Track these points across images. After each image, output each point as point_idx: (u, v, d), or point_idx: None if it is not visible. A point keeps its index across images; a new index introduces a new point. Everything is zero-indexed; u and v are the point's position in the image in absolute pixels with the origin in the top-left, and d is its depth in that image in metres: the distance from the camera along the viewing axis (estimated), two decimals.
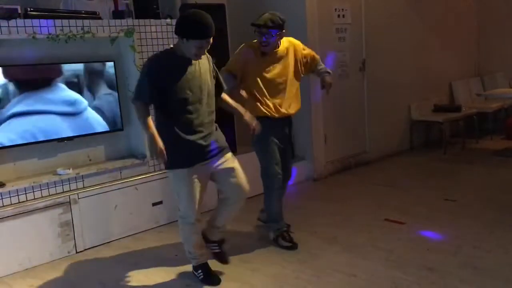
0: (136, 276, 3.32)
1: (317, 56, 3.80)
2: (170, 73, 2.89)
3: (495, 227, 3.81)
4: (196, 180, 2.99)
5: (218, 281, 3.17)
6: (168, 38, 4.28)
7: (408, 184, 5.14)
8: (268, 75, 3.53)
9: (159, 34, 4.23)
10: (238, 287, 3.12)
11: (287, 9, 5.26)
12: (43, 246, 3.61)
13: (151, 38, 4.18)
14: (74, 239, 3.75)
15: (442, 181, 5.17)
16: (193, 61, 2.95)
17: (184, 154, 2.94)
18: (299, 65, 3.66)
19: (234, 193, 3.11)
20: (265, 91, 3.53)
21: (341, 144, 5.70)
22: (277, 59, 3.56)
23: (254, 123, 3.26)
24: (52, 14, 3.70)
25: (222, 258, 3.29)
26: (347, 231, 3.90)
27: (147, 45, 4.15)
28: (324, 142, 5.51)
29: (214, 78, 3.12)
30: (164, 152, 2.87)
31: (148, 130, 2.90)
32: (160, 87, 2.87)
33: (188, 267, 3.30)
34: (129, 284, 3.23)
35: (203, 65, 3.02)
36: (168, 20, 4.29)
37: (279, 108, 3.57)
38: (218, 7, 4.69)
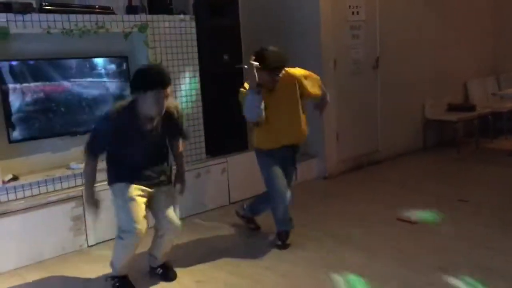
0: (146, 270, 3.32)
1: (319, 93, 3.66)
2: (126, 134, 2.88)
3: (508, 227, 3.76)
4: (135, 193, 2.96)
5: None
6: (181, 34, 4.29)
7: (421, 183, 5.09)
8: (273, 109, 3.41)
9: (172, 30, 4.23)
10: (248, 285, 3.12)
11: (301, 6, 5.26)
12: (56, 240, 3.64)
13: (164, 34, 4.19)
14: (86, 233, 3.77)
15: (456, 181, 5.11)
16: (151, 122, 2.91)
17: (128, 175, 2.96)
18: (295, 93, 3.51)
19: (167, 226, 3.07)
20: (271, 123, 3.43)
21: (353, 142, 5.67)
22: (280, 92, 3.44)
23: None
24: (66, 8, 3.72)
25: (168, 277, 3.21)
26: (359, 230, 3.88)
27: (160, 41, 4.16)
28: (336, 140, 5.48)
29: (175, 134, 3.12)
30: (97, 208, 3.02)
31: (87, 189, 3.02)
32: (113, 143, 2.92)
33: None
34: (139, 279, 3.24)
35: (162, 126, 2.98)
36: (182, 16, 4.30)
37: (281, 139, 3.52)
38: (231, 3, 4.67)
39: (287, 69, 3.44)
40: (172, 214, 3.08)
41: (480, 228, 3.80)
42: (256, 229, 3.96)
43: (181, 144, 3.24)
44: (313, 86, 3.60)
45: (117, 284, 3.09)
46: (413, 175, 5.46)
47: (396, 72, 5.99)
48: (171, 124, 3.03)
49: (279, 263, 3.38)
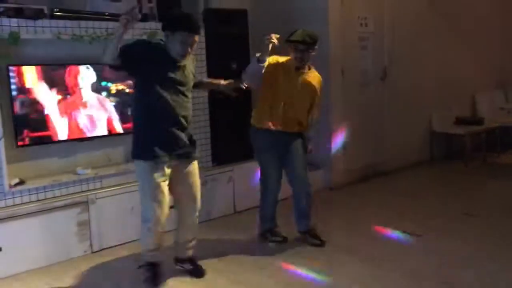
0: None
1: (316, 117, 3.78)
2: (156, 63, 2.89)
3: None
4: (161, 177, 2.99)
5: (157, 284, 3.15)
6: None
7: (427, 196, 5.06)
8: (291, 90, 3.55)
9: None
10: None
11: (310, 16, 5.27)
12: (60, 245, 3.64)
13: None
14: (91, 238, 3.77)
15: (462, 194, 5.08)
16: (178, 63, 2.95)
17: (155, 143, 2.95)
18: (312, 91, 3.68)
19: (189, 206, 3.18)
20: (281, 103, 3.53)
21: (360, 153, 5.65)
22: (304, 79, 3.60)
23: (230, 84, 3.36)
24: (77, 15, 3.75)
25: (198, 274, 3.29)
26: (364, 242, 3.86)
27: None
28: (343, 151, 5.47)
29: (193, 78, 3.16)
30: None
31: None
32: (137, 63, 2.87)
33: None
34: (144, 285, 3.23)
35: (188, 64, 3.04)
36: None
37: (284, 122, 3.57)
38: (241, 12, 4.70)
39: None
40: (195, 193, 3.17)
41: (487, 242, 3.77)
42: (284, 241, 3.86)
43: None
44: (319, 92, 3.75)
45: (148, 273, 3.15)
46: (419, 187, 5.43)
47: (404, 83, 5.99)
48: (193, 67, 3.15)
49: (281, 272, 3.37)
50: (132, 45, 2.91)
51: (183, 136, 3.05)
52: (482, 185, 5.45)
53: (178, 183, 3.12)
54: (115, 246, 3.87)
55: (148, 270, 3.17)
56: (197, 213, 3.24)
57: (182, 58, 2.94)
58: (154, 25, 4.09)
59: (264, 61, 3.37)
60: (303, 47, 3.46)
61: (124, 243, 3.90)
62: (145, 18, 4.14)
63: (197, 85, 3.31)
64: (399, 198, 5.00)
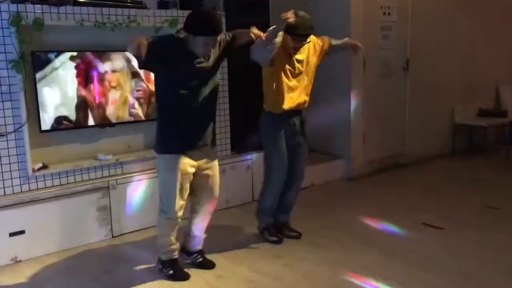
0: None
1: (327, 38, 3.64)
2: (178, 62, 2.87)
3: None
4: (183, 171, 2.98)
5: (187, 277, 3.16)
6: None
7: (448, 189, 5.00)
8: (291, 74, 3.44)
9: None
10: (268, 282, 3.12)
11: (332, 5, 5.22)
12: (81, 229, 3.71)
13: None
14: (111, 223, 3.83)
15: (485, 187, 5.01)
16: (199, 59, 2.93)
17: (178, 140, 2.96)
18: (316, 58, 3.58)
19: (206, 204, 3.19)
20: (284, 87, 3.43)
21: (380, 144, 5.60)
22: (300, 58, 3.46)
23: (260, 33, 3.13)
24: (99, 2, 3.78)
25: (208, 266, 3.31)
26: (383, 233, 3.84)
27: None
28: (363, 141, 5.43)
29: (224, 50, 3.07)
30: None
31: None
32: (160, 62, 2.84)
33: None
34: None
35: (210, 58, 2.99)
36: None
37: (293, 103, 3.47)
38: (262, 1, 4.67)
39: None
40: (213, 190, 3.17)
41: (508, 235, 3.72)
42: (279, 242, 3.72)
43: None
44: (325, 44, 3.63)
45: (171, 271, 3.16)
46: (440, 179, 5.37)
47: (426, 74, 5.90)
48: (219, 51, 3.05)
49: (299, 262, 3.37)
50: (153, 46, 2.81)
51: (204, 130, 3.05)
52: (504, 178, 5.36)
53: (199, 181, 3.12)
54: (135, 231, 3.93)
55: (171, 267, 3.17)
56: (212, 210, 3.26)
57: (204, 56, 2.93)
58: (175, 13, 4.10)
59: (275, 41, 3.15)
60: (303, 38, 3.33)
61: (144, 229, 3.95)
62: (166, 6, 4.16)
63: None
64: (419, 190, 4.95)
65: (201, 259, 3.33)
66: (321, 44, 3.58)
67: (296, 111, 3.53)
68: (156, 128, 3.09)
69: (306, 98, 3.56)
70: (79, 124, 3.79)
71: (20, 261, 3.46)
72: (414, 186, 5.12)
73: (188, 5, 4.26)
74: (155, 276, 3.19)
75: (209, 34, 2.83)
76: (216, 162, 3.20)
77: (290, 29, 3.22)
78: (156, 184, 3.97)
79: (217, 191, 3.22)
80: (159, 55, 2.81)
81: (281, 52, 3.30)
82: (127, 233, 3.90)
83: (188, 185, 3.05)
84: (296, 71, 3.45)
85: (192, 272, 3.25)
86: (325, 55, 3.63)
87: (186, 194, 3.05)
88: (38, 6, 3.46)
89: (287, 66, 3.41)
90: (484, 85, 6.74)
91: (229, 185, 4.45)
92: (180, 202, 3.02)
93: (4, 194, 3.46)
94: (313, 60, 3.55)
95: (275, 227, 3.75)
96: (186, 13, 4.08)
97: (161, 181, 3.09)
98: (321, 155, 5.42)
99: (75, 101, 3.73)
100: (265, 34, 3.09)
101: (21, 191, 3.52)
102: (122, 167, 3.94)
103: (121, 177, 3.88)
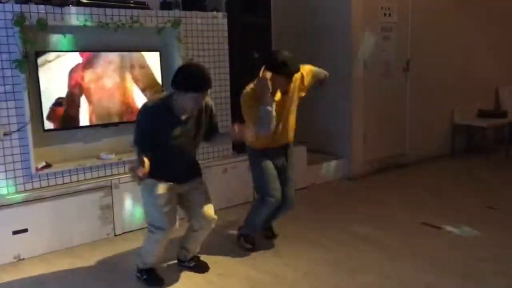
0: (172, 262, 3.39)
1: (313, 68, 3.55)
2: (163, 127, 2.88)
3: None
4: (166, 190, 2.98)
5: (161, 283, 3.12)
6: (213, 30, 4.34)
7: (448, 189, 5.03)
8: (278, 112, 3.32)
9: (204, 26, 4.29)
10: (269, 280, 3.15)
11: (333, 6, 5.25)
12: (84, 227, 3.74)
13: (197, 30, 4.25)
14: (114, 222, 3.86)
15: (484, 188, 5.04)
16: (183, 119, 2.93)
17: (159, 172, 2.93)
18: (297, 92, 3.46)
19: (201, 221, 3.12)
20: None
21: (380, 144, 5.63)
22: (282, 94, 3.38)
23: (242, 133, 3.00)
24: (102, 2, 3.80)
25: (201, 269, 3.29)
26: (383, 233, 3.86)
27: (192, 37, 4.22)
28: (363, 141, 5.46)
29: (208, 123, 3.08)
30: (144, 174, 2.69)
31: (140, 156, 2.81)
32: (152, 136, 2.88)
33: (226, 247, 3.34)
34: (165, 269, 3.30)
35: (198, 116, 2.99)
36: (214, 13, 4.35)
37: (278, 139, 3.45)
38: (264, 1, 4.70)
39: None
40: (207, 211, 3.11)
41: (508, 235, 3.75)
42: (251, 250, 3.62)
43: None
44: (309, 76, 3.52)
45: (145, 277, 3.14)
46: (440, 180, 5.40)
47: (427, 75, 5.93)
48: (207, 116, 3.06)
49: (299, 261, 3.40)
50: (143, 134, 2.88)
51: (187, 168, 3.08)
52: (504, 178, 5.39)
53: (187, 199, 3.11)
54: (137, 230, 3.95)
55: (146, 273, 3.15)
56: (210, 229, 3.20)
57: (191, 113, 2.93)
58: (178, 13, 4.13)
59: (268, 104, 3.18)
60: (293, 76, 3.29)
61: (146, 227, 3.96)
62: (169, 6, 4.19)
63: (209, 138, 3.17)
64: (419, 190, 4.98)
65: (193, 263, 3.31)
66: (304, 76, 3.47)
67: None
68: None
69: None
70: (82, 123, 3.82)
71: (23, 259, 3.49)
72: (414, 186, 5.15)
73: (190, 5, 4.29)
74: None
75: (200, 90, 2.83)
76: (203, 186, 3.18)
77: (281, 72, 3.19)
78: None
79: (210, 214, 3.12)
80: (151, 132, 2.86)
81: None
82: (130, 231, 3.92)
83: (174, 204, 3.03)
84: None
85: (188, 273, 3.27)
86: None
87: (174, 213, 3.01)
88: (42, 6, 3.49)
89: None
90: (483, 86, 6.76)
91: (230, 184, 4.49)
92: (168, 225, 2.95)
93: (8, 192, 3.49)
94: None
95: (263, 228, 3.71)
96: (189, 13, 4.17)
97: (144, 200, 3.06)
98: (321, 155, 5.45)
99: (78, 100, 3.76)
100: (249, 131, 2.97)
101: (25, 190, 3.55)
102: (124, 166, 3.97)
103: (123, 176, 3.91)
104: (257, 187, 3.57)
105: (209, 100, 3.07)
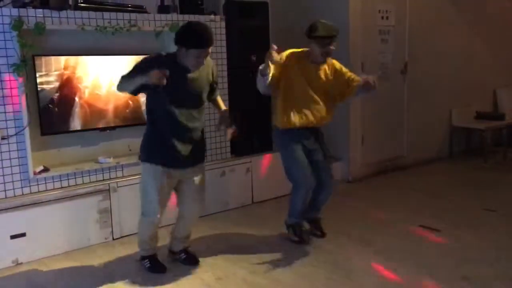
0: (172, 265, 3.37)
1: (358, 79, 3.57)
2: (170, 75, 2.88)
3: None
4: (165, 181, 3.07)
5: (164, 270, 3.27)
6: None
7: (446, 191, 5.03)
8: (310, 86, 3.49)
9: None
10: (268, 284, 3.14)
11: (331, 9, 5.26)
12: (82, 231, 3.73)
13: None
14: (112, 226, 3.85)
15: (482, 190, 5.04)
16: (191, 74, 2.99)
17: (162, 155, 3.03)
18: (339, 87, 3.57)
19: (190, 211, 3.28)
20: (300, 101, 3.47)
21: (378, 147, 5.64)
22: (322, 71, 3.52)
23: (225, 127, 3.22)
24: (100, 6, 3.81)
25: (192, 261, 3.38)
26: (381, 235, 3.87)
27: None
28: (361, 144, 5.47)
29: (210, 84, 3.16)
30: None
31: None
32: (153, 92, 2.93)
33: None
34: (164, 272, 3.29)
35: (202, 72, 3.05)
36: (212, 16, 4.35)
37: (310, 119, 3.50)
38: (262, 4, 4.71)
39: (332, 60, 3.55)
40: (194, 212, 3.28)
41: (506, 238, 3.75)
42: (300, 242, 3.71)
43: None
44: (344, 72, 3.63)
45: (149, 264, 3.28)
46: (438, 182, 5.40)
47: (424, 77, 5.94)
48: (209, 76, 3.13)
49: (299, 264, 3.40)
50: (145, 67, 2.89)
51: (190, 148, 3.08)
52: (502, 180, 5.40)
53: (184, 186, 3.19)
54: (136, 233, 3.93)
55: (149, 261, 3.31)
56: (199, 215, 3.37)
57: (196, 69, 2.99)
58: (176, 17, 4.13)
59: (266, 74, 3.26)
60: (329, 41, 3.39)
61: None
62: (167, 10, 4.19)
63: (209, 98, 3.26)
64: (417, 193, 4.99)
65: (184, 256, 3.40)
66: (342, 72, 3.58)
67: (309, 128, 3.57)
68: (142, 138, 3.14)
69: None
70: (80, 127, 3.82)
71: (21, 263, 3.48)
72: (412, 188, 5.15)
73: (188, 9, 4.29)
74: (156, 278, 3.21)
75: (202, 47, 2.88)
76: (203, 173, 3.24)
77: (312, 35, 3.37)
78: None
79: (202, 196, 3.26)
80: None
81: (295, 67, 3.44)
82: (128, 235, 3.92)
83: (169, 191, 3.15)
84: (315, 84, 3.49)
85: (192, 273, 3.28)
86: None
87: (167, 200, 3.17)
88: (40, 10, 3.50)
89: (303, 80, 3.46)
90: (481, 88, 6.78)
91: (228, 187, 4.49)
92: (158, 208, 3.10)
93: (6, 196, 3.48)
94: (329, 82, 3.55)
95: (307, 220, 3.80)
96: (187, 17, 4.18)
97: (141, 187, 3.16)
98: None
99: (75, 104, 3.76)
100: None
101: (23, 194, 3.54)
102: (122, 169, 3.97)
103: (121, 179, 3.91)
104: (287, 175, 3.62)
105: (210, 60, 3.12)
